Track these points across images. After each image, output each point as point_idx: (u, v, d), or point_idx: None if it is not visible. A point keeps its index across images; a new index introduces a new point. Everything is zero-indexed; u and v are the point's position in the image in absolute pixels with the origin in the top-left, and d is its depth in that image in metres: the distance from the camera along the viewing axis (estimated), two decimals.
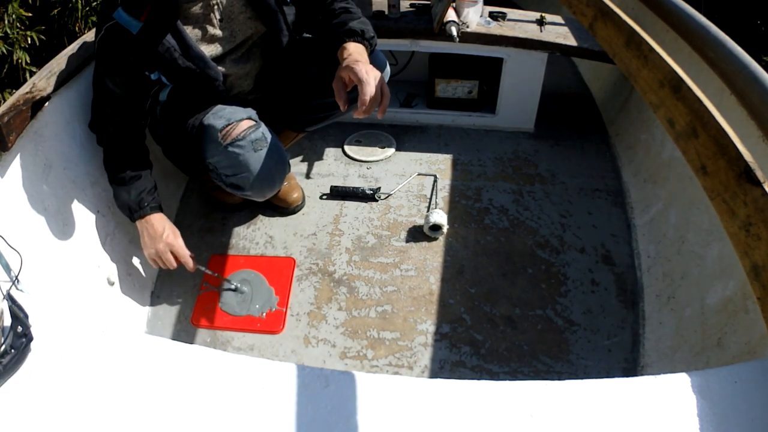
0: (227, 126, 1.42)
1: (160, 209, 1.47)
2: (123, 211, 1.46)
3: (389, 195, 1.94)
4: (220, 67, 1.42)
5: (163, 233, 1.45)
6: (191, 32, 1.36)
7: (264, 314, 1.57)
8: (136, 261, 1.62)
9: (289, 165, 1.57)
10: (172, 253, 1.45)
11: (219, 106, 1.47)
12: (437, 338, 1.52)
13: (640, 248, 1.72)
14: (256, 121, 1.47)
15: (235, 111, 1.46)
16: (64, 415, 0.79)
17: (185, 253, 1.47)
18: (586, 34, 1.99)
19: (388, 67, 1.64)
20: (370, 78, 1.20)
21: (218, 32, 1.39)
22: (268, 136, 1.47)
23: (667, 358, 1.38)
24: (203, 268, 1.55)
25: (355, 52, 1.33)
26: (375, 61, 1.58)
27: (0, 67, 2.65)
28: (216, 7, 1.35)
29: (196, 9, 1.35)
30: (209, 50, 1.40)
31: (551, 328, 1.54)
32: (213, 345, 1.52)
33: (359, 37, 1.39)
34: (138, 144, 1.47)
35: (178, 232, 1.49)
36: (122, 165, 1.43)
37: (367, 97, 1.19)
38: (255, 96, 1.59)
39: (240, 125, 1.43)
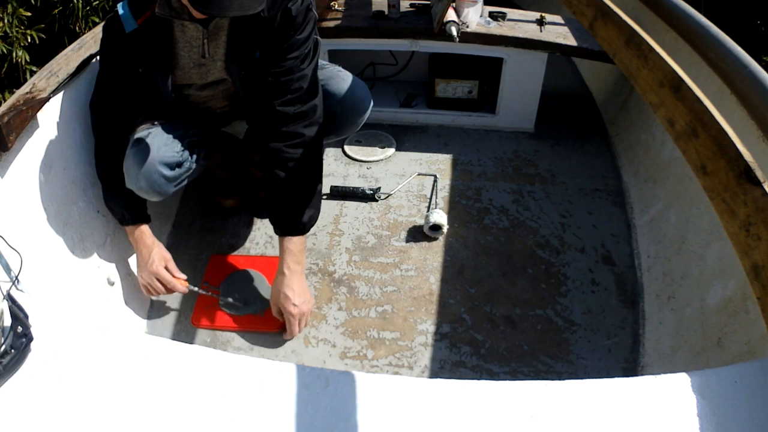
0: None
1: (147, 220, 1.49)
2: (110, 212, 1.49)
3: (389, 195, 1.94)
4: (185, 93, 1.43)
5: (149, 260, 1.46)
6: (174, 53, 1.35)
7: (264, 314, 1.57)
8: (136, 261, 1.62)
9: (163, 179, 1.40)
10: (160, 280, 1.47)
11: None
12: (437, 338, 1.52)
13: (640, 248, 1.72)
14: (153, 125, 1.42)
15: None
16: (64, 415, 0.79)
17: (170, 280, 1.47)
18: (586, 34, 1.99)
19: (371, 104, 1.63)
20: (295, 321, 1.47)
21: (196, 65, 1.38)
22: (153, 139, 1.39)
23: (667, 358, 1.38)
24: (196, 289, 1.54)
25: (290, 260, 1.46)
26: (357, 98, 1.59)
27: None
28: (204, 42, 1.33)
29: (190, 30, 1.33)
30: (180, 77, 1.39)
31: (551, 328, 1.54)
32: (213, 345, 1.52)
33: (297, 227, 1.45)
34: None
35: (167, 257, 1.50)
36: (116, 166, 1.41)
37: (290, 336, 1.51)
38: (224, 107, 1.57)
39: (143, 124, 1.43)
